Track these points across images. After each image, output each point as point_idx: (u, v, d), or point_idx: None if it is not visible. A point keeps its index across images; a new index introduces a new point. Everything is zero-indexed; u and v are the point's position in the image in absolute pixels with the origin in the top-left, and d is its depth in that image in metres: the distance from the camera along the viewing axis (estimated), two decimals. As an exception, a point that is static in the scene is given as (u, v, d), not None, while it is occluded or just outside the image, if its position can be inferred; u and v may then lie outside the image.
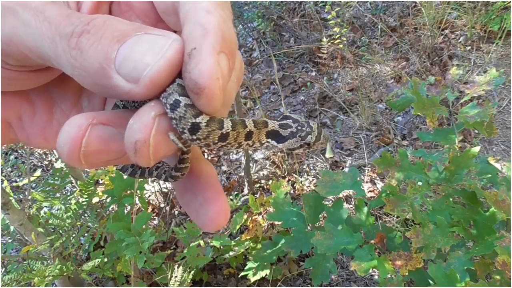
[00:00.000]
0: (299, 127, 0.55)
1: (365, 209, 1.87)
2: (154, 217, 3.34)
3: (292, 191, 3.37)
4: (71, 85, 0.49)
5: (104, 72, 0.35)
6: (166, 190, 3.48)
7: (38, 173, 3.46)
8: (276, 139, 0.54)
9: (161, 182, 3.51)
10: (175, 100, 0.37)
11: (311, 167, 3.64)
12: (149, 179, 3.45)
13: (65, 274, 2.16)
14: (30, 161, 4.01)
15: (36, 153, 4.14)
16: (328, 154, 3.66)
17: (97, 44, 0.35)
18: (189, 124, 0.39)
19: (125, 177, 2.19)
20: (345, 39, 4.35)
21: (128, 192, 2.22)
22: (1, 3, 0.37)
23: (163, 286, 2.41)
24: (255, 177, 3.60)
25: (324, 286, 2.74)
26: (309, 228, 2.02)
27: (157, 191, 3.47)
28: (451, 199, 1.67)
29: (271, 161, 3.70)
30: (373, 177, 3.41)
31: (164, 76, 0.36)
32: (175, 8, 0.39)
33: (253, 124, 0.49)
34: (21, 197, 3.32)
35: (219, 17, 0.36)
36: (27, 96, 0.47)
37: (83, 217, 2.60)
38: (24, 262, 2.28)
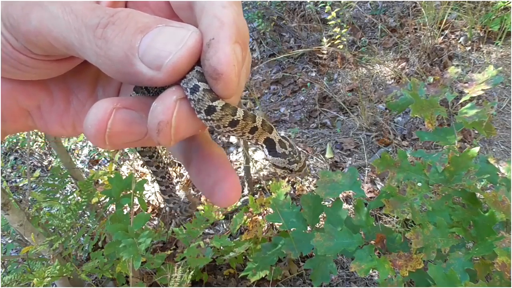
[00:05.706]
0: (291, 153, 0.59)
1: (365, 209, 1.86)
2: (154, 218, 3.33)
3: (292, 192, 3.37)
4: (87, 76, 0.52)
5: (128, 60, 0.38)
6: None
7: (37, 173, 3.46)
8: (269, 149, 0.58)
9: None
10: (194, 85, 0.41)
11: (311, 168, 3.64)
12: (149, 179, 3.45)
13: (64, 274, 2.15)
14: (30, 161, 4.01)
15: (36, 153, 4.14)
16: (328, 155, 3.66)
17: (121, 35, 0.38)
18: (206, 106, 0.42)
19: (124, 177, 2.19)
20: (345, 39, 4.35)
21: (128, 192, 2.21)
22: None
23: (163, 287, 2.41)
24: (255, 177, 3.60)
25: (324, 286, 2.74)
26: (308, 229, 2.02)
27: (157, 191, 3.47)
28: (450, 200, 1.67)
29: (271, 161, 3.69)
30: (373, 178, 3.41)
31: (185, 63, 0.39)
32: (190, 4, 0.43)
33: (261, 123, 0.53)
34: (20, 197, 3.32)
35: (233, 11, 0.40)
36: (46, 86, 0.50)
37: (82, 217, 2.60)
38: (24, 262, 2.28)
